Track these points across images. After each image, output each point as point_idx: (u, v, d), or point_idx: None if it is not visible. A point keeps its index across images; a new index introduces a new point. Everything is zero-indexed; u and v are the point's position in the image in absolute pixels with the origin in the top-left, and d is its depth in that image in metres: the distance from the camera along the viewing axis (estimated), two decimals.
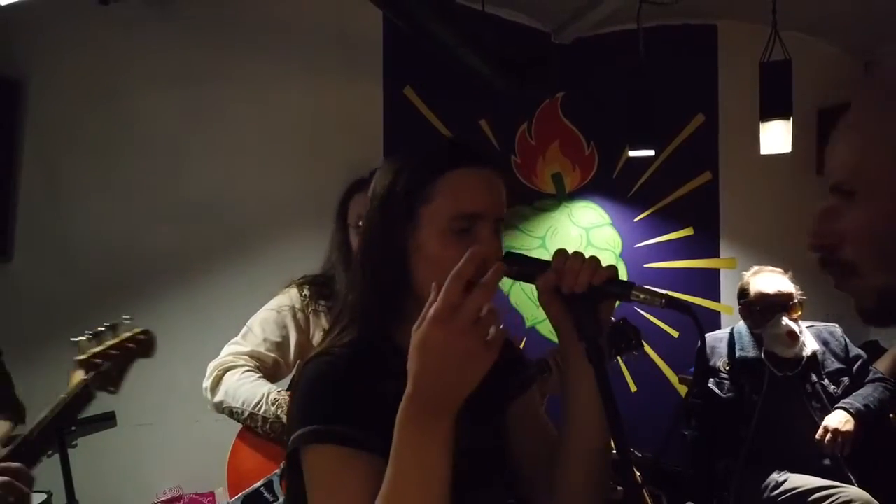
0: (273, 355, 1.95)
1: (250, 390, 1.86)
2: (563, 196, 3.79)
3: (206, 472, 3.16)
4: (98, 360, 1.53)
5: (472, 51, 2.64)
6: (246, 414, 1.86)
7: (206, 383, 1.96)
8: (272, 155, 3.34)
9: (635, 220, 3.83)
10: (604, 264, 0.91)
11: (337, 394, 0.93)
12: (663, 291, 0.87)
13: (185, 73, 3.16)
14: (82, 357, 1.52)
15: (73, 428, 2.52)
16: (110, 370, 1.56)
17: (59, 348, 1.67)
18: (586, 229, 3.80)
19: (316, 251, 3.33)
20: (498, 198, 0.97)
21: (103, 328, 1.57)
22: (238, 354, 1.96)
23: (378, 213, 0.98)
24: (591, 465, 1.00)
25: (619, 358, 2.08)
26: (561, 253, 0.92)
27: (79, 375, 1.52)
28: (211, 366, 1.98)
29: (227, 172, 3.25)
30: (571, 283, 0.89)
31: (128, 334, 1.60)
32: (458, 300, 0.74)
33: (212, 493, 3.17)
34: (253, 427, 1.92)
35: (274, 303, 2.02)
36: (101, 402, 3.09)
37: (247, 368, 1.92)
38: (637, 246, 3.81)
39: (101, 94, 3.04)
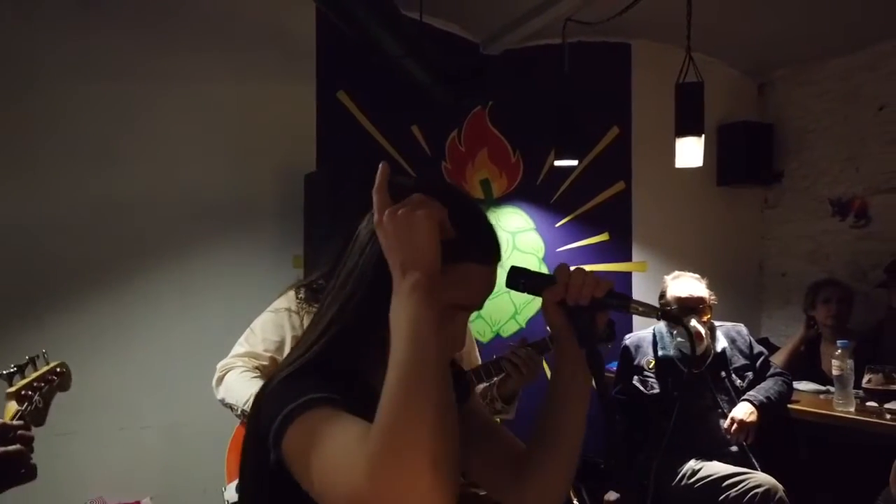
0: (270, 354, 2.10)
1: (243, 390, 2.00)
2: (490, 201, 3.93)
3: (131, 481, 3.07)
4: (28, 392, 1.55)
5: (415, 61, 2.71)
6: (239, 411, 2.01)
7: (213, 382, 2.14)
8: (201, 155, 3.27)
9: (557, 225, 4.03)
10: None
11: (311, 382, 0.93)
12: (657, 305, 0.98)
13: (111, 68, 3.05)
14: (12, 389, 1.53)
15: None
16: (37, 403, 1.57)
17: None
18: (513, 234, 3.95)
19: (247, 253, 3.32)
20: (489, 293, 1.01)
21: (24, 361, 1.59)
22: (238, 356, 2.13)
23: (376, 265, 0.94)
24: (570, 462, 1.08)
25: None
26: (564, 268, 1.00)
27: (13, 407, 1.52)
28: (217, 366, 2.15)
29: (154, 172, 3.16)
30: (576, 295, 0.97)
31: (47, 367, 1.63)
32: (389, 202, 0.89)
33: (137, 503, 3.08)
34: (244, 422, 2.03)
35: (274, 305, 2.16)
36: None
37: (244, 369, 2.07)
38: (558, 250, 4.01)
39: (16, 87, 2.88)
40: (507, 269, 1.03)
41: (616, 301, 0.98)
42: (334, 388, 0.92)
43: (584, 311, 0.98)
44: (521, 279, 1.03)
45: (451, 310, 0.97)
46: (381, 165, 0.91)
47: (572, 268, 1.00)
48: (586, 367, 1.00)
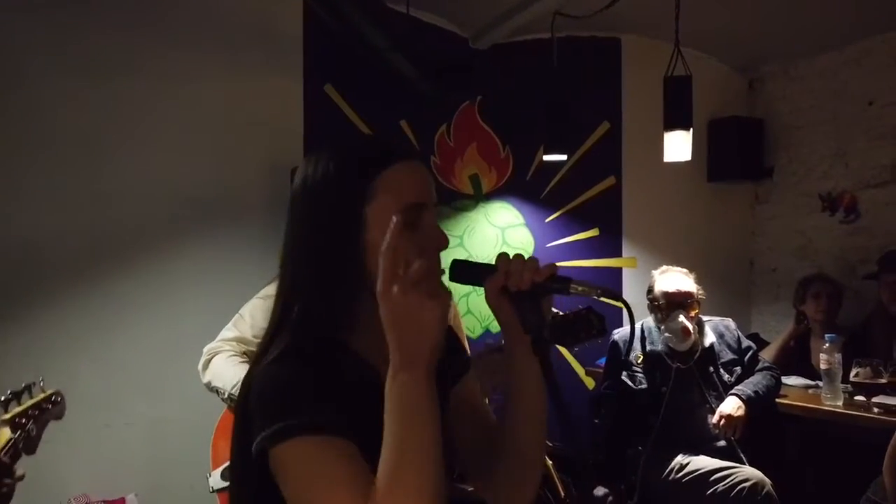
0: (258, 339, 2.14)
1: (230, 374, 2.02)
2: (480, 197, 3.92)
3: (115, 478, 3.05)
4: (22, 420, 1.55)
5: (402, 55, 2.69)
6: (225, 395, 2.03)
7: (199, 366, 2.15)
8: (189, 151, 3.25)
9: (547, 220, 4.01)
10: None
11: (298, 389, 0.92)
12: (599, 284, 0.96)
13: (98, 64, 3.02)
14: (7, 416, 1.54)
15: None
16: (31, 431, 1.57)
17: None
18: (502, 229, 3.94)
19: (234, 248, 3.29)
20: (431, 186, 1.04)
21: (21, 388, 1.59)
22: (226, 340, 2.14)
23: (324, 215, 0.99)
24: (532, 458, 1.07)
25: (584, 344, 2.13)
26: (504, 255, 0.99)
27: (6, 435, 1.52)
28: (204, 349, 2.16)
29: (141, 168, 3.13)
30: (517, 281, 0.96)
31: (43, 395, 1.63)
32: (395, 270, 0.85)
33: (122, 499, 3.05)
34: (231, 407, 2.07)
35: (262, 292, 2.20)
36: None
37: (231, 353, 2.09)
38: (548, 246, 3.99)
39: (3, 84, 2.85)
40: (450, 262, 1.02)
41: (557, 284, 0.97)
42: (321, 369, 0.93)
43: (526, 297, 0.97)
44: (462, 271, 1.02)
45: (411, 211, 0.97)
46: (393, 221, 0.87)
47: (512, 254, 0.99)
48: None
